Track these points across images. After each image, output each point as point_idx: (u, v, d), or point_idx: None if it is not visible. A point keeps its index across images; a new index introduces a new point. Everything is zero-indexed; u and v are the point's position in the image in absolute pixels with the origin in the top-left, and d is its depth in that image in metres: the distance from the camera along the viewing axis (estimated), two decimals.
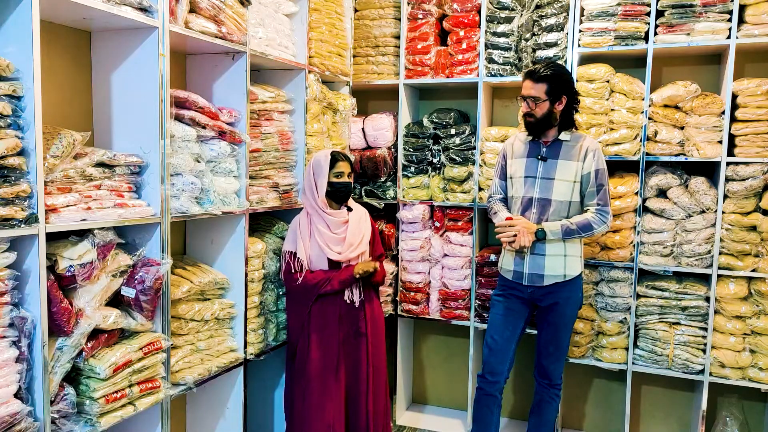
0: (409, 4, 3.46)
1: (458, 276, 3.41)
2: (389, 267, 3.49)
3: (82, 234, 1.87)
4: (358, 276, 2.62)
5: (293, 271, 2.64)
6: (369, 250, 2.76)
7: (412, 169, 3.49)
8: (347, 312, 2.67)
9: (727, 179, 2.88)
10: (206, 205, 2.34)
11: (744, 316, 2.90)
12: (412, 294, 3.53)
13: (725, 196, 2.89)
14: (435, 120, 3.42)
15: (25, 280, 1.69)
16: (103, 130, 2.17)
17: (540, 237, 2.58)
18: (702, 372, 2.99)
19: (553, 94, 2.57)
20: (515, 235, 2.58)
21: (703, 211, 2.93)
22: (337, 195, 2.68)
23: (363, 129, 3.57)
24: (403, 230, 3.54)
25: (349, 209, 2.74)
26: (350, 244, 2.66)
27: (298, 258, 2.63)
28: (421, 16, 3.43)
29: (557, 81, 2.56)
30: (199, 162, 2.29)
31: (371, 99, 3.88)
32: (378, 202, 3.58)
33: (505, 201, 2.82)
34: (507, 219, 2.64)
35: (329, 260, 2.65)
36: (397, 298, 3.59)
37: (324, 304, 2.64)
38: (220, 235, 2.60)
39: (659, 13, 2.96)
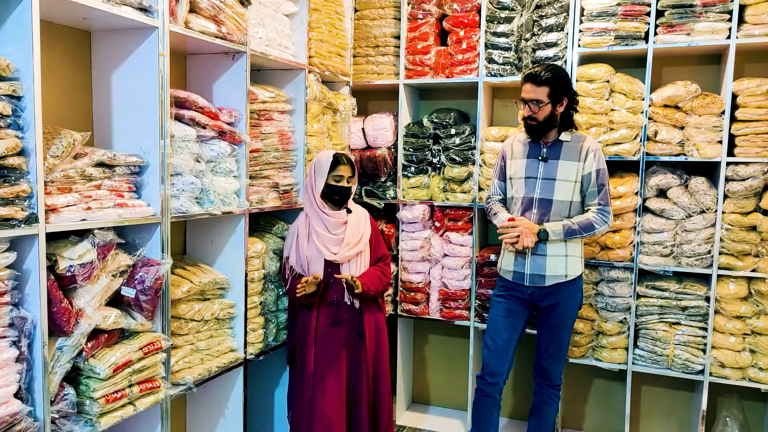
0: (409, 4, 3.46)
1: (458, 276, 3.41)
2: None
3: (82, 234, 1.87)
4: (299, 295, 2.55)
5: (286, 276, 2.66)
6: (369, 250, 2.76)
7: (412, 169, 3.49)
8: (348, 314, 2.67)
9: (727, 179, 2.88)
10: (206, 205, 2.34)
11: (744, 316, 2.90)
12: (412, 294, 3.53)
13: (725, 196, 2.89)
14: (435, 120, 3.42)
15: (25, 280, 1.69)
16: (103, 130, 2.17)
17: (542, 237, 2.58)
18: (702, 372, 2.99)
19: (555, 97, 2.57)
20: (518, 236, 2.57)
21: (703, 211, 2.93)
22: (334, 197, 2.68)
23: (363, 129, 3.58)
24: (403, 230, 3.54)
25: (349, 211, 2.73)
26: (347, 244, 2.65)
27: (290, 264, 2.65)
28: (421, 16, 3.43)
29: (558, 83, 2.57)
30: (199, 162, 2.29)
31: (371, 99, 3.88)
32: (378, 202, 3.58)
33: (504, 202, 2.82)
34: (509, 220, 2.64)
35: (326, 261, 2.64)
36: (397, 298, 3.59)
37: (324, 306, 2.64)
38: (220, 235, 2.60)
39: (659, 13, 2.96)
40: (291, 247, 2.69)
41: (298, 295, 2.54)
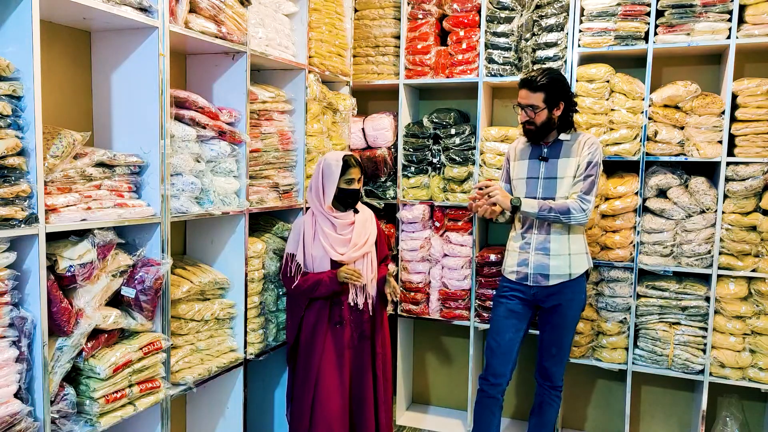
0: (409, 4, 3.46)
1: (458, 276, 3.41)
2: (389, 267, 3.49)
3: (82, 234, 1.87)
4: (342, 281, 2.58)
5: (289, 274, 2.64)
6: (375, 251, 2.76)
7: (412, 169, 3.49)
8: (351, 314, 2.66)
9: (727, 179, 2.88)
10: (206, 205, 2.34)
11: (744, 316, 2.90)
12: (412, 294, 3.53)
13: (725, 196, 2.89)
14: (435, 120, 3.42)
15: (25, 280, 1.69)
16: (103, 130, 2.17)
17: (515, 204, 2.58)
18: (702, 372, 2.99)
19: (551, 102, 2.57)
20: (489, 198, 2.60)
21: (703, 211, 2.93)
22: (346, 201, 2.68)
23: (363, 129, 3.58)
24: (403, 230, 3.54)
25: (356, 211, 2.73)
26: (354, 245, 2.65)
27: (296, 260, 2.63)
28: (421, 16, 3.44)
29: (554, 88, 2.56)
30: (199, 162, 2.29)
31: (371, 99, 3.88)
32: (378, 202, 3.58)
33: None
34: (487, 179, 2.65)
35: (332, 261, 2.63)
36: (397, 298, 3.59)
37: (327, 307, 2.64)
38: (220, 235, 2.60)
39: (659, 13, 2.96)
40: (297, 244, 2.67)
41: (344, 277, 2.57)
